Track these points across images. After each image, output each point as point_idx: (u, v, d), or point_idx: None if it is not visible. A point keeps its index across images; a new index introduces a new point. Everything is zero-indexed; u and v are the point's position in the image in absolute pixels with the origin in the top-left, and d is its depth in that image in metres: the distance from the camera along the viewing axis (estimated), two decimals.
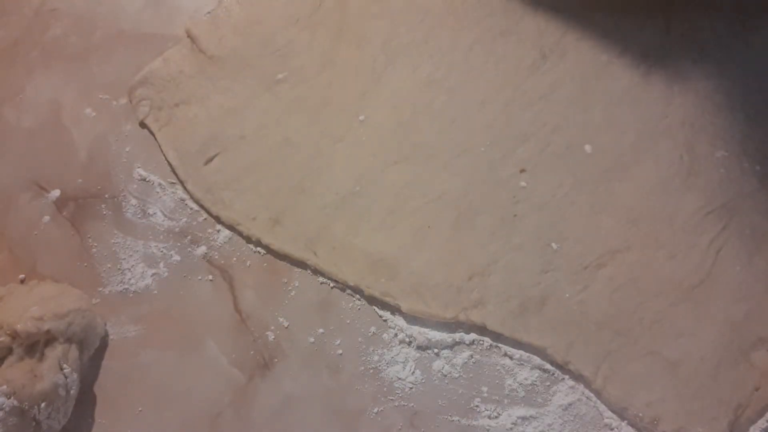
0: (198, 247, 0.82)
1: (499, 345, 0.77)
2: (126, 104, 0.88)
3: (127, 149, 0.86)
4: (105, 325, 0.78)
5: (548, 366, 0.76)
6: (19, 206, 0.84)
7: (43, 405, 0.69)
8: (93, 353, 0.76)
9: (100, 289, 0.80)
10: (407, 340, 0.78)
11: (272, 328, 0.79)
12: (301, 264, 0.81)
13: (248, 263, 0.82)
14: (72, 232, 0.83)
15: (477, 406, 0.75)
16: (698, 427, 0.73)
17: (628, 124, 0.85)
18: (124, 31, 0.92)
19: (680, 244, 0.80)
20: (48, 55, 0.90)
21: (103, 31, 0.92)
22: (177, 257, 0.82)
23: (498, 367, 0.77)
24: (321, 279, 0.81)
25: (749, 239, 0.80)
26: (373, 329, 0.78)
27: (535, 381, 0.76)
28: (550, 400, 0.75)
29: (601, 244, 0.80)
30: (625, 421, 0.74)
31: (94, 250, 0.82)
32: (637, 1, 0.91)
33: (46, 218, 0.83)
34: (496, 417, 0.74)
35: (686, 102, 0.86)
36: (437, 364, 0.77)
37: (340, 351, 0.78)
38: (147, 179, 0.85)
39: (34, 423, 0.69)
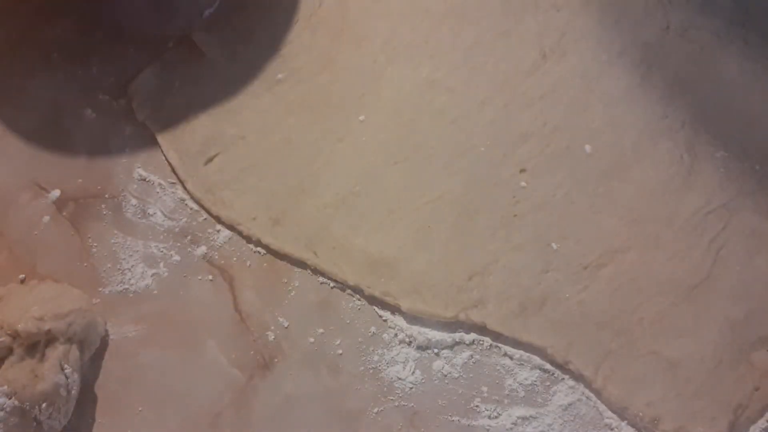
0: (198, 247, 0.82)
1: (499, 345, 0.77)
2: (126, 104, 0.88)
3: (127, 149, 0.86)
4: (105, 325, 0.78)
5: (548, 366, 0.76)
6: (19, 206, 0.84)
7: (44, 405, 0.68)
8: (93, 353, 0.76)
9: (100, 289, 0.80)
10: (407, 340, 0.78)
11: (272, 328, 0.79)
12: (301, 264, 0.81)
13: (248, 263, 0.82)
14: (72, 232, 0.82)
15: (477, 406, 0.75)
16: (698, 426, 0.73)
17: (628, 124, 0.85)
18: (124, 31, 0.92)
19: (680, 244, 0.80)
20: (48, 55, 0.90)
21: (103, 31, 0.92)
22: (177, 257, 0.82)
23: (498, 367, 0.77)
24: (321, 279, 0.81)
25: (749, 239, 0.80)
26: (373, 329, 0.78)
27: (535, 381, 0.76)
28: (550, 400, 0.75)
29: (601, 244, 0.80)
30: (625, 421, 0.74)
31: (94, 250, 0.82)
32: (637, 0, 0.91)
33: (46, 218, 0.83)
34: (496, 417, 0.75)
35: (686, 102, 0.86)
36: (437, 364, 0.77)
37: (340, 351, 0.78)
38: (147, 179, 0.85)
39: (35, 423, 0.69)
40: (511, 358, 0.77)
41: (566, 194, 0.82)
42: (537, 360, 0.76)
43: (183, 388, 0.76)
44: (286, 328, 0.79)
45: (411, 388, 0.76)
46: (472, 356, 0.77)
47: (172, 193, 0.85)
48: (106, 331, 0.78)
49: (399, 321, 0.78)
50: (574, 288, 0.78)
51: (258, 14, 0.92)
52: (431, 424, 0.75)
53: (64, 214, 0.83)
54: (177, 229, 0.83)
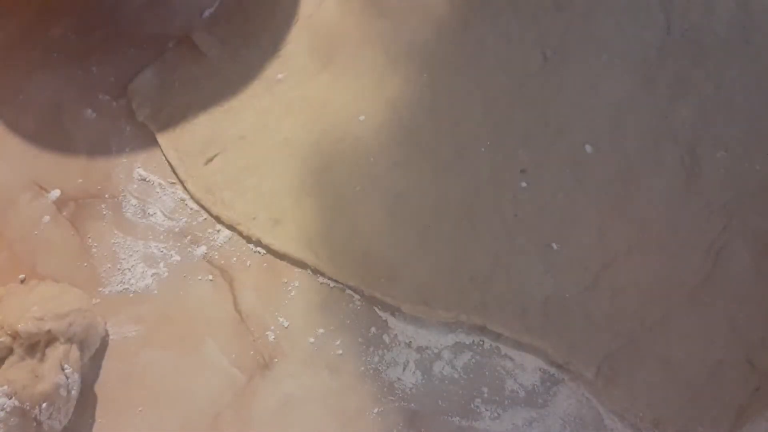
0: (198, 247, 0.82)
1: (500, 345, 0.77)
2: (126, 104, 0.88)
3: (127, 149, 0.86)
4: (105, 325, 0.78)
5: (549, 367, 0.76)
6: (19, 206, 0.83)
7: (44, 405, 0.68)
8: (93, 353, 0.76)
9: (100, 289, 0.80)
10: (407, 340, 0.78)
11: (272, 328, 0.79)
12: (301, 264, 0.81)
13: (248, 263, 0.82)
14: (72, 232, 0.82)
15: (477, 406, 0.75)
16: (699, 427, 0.73)
17: (630, 124, 0.85)
18: (124, 31, 0.92)
19: (681, 244, 0.80)
20: (48, 55, 0.90)
21: (103, 31, 0.92)
22: (177, 257, 0.82)
23: (498, 368, 0.77)
24: (321, 279, 0.81)
25: (750, 239, 0.80)
26: (373, 329, 0.78)
27: (536, 382, 0.76)
28: (551, 400, 0.75)
29: (602, 245, 0.80)
30: (626, 422, 0.74)
31: (94, 250, 0.82)
32: (638, 1, 0.91)
33: (46, 218, 0.83)
34: (497, 418, 0.74)
35: (687, 102, 0.86)
36: (437, 365, 0.77)
37: (340, 351, 0.78)
38: (147, 179, 0.85)
39: (35, 423, 0.69)
40: (511, 359, 0.77)
41: (567, 195, 0.82)
42: (538, 361, 0.76)
43: (183, 388, 0.76)
44: (286, 328, 0.79)
45: (411, 388, 0.76)
46: (472, 357, 0.77)
47: (172, 193, 0.85)
48: (106, 331, 0.78)
49: (399, 321, 0.78)
50: (575, 289, 0.78)
51: (258, 14, 0.92)
52: (431, 424, 0.75)
53: (64, 214, 0.83)
54: (177, 229, 0.83)
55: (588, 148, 0.84)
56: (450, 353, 0.77)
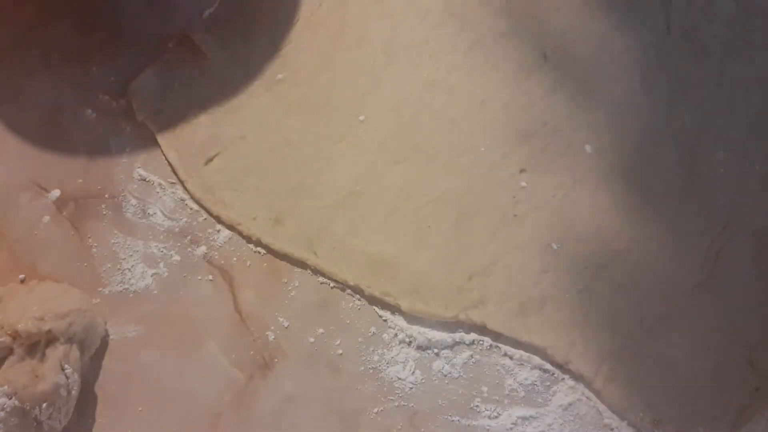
0: (198, 247, 0.82)
1: (499, 345, 0.77)
2: (126, 104, 0.88)
3: (127, 149, 0.86)
4: (105, 325, 0.78)
5: (548, 366, 0.76)
6: (19, 206, 0.83)
7: (44, 405, 0.68)
8: (93, 353, 0.76)
9: (100, 289, 0.80)
10: (407, 340, 0.78)
11: (272, 328, 0.79)
12: (301, 264, 0.81)
13: (248, 263, 0.82)
14: (72, 232, 0.82)
15: (477, 405, 0.75)
16: (699, 427, 0.73)
17: (629, 124, 0.85)
18: (124, 31, 0.92)
19: (681, 244, 0.80)
20: (48, 55, 0.90)
21: (103, 31, 0.92)
22: (177, 257, 0.82)
23: (498, 367, 0.77)
24: (321, 279, 0.81)
25: (749, 239, 0.80)
26: (373, 329, 0.78)
27: (535, 381, 0.76)
28: (551, 400, 0.75)
29: (602, 245, 0.80)
30: (626, 422, 0.74)
31: (94, 250, 0.82)
32: (638, 1, 0.91)
33: (46, 218, 0.83)
34: (496, 417, 0.75)
35: (687, 102, 0.86)
36: (437, 364, 0.77)
37: (340, 351, 0.78)
38: (147, 179, 0.85)
39: (35, 423, 0.69)
40: (511, 358, 0.77)
41: (566, 194, 0.82)
42: (537, 360, 0.76)
43: (183, 388, 0.76)
44: (286, 328, 0.79)
45: (411, 388, 0.76)
46: (472, 356, 0.77)
47: (172, 193, 0.85)
48: (106, 331, 0.78)
49: (399, 321, 0.78)
50: (574, 288, 0.78)
51: (258, 14, 0.92)
52: (431, 424, 0.75)
53: (64, 214, 0.83)
54: (177, 229, 0.83)
55: (588, 147, 0.84)
56: (450, 352, 0.77)
